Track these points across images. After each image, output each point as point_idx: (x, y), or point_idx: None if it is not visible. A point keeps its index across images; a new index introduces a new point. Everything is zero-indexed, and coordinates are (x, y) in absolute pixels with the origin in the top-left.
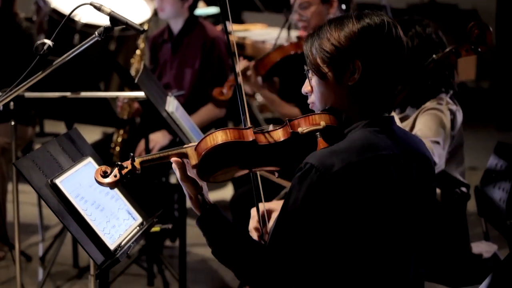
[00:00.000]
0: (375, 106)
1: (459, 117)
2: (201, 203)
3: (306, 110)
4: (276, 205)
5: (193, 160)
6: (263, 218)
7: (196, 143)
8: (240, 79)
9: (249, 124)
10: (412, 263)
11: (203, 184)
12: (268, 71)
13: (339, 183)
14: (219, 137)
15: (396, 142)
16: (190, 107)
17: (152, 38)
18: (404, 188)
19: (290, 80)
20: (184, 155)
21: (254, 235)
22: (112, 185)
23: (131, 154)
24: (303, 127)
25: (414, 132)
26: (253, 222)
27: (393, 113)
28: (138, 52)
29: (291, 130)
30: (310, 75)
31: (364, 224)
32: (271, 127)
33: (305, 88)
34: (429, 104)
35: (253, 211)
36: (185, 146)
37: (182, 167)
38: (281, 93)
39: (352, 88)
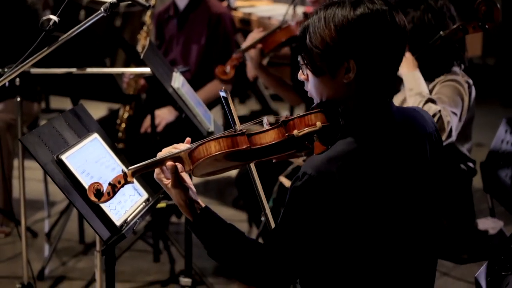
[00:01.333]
0: (374, 95)
1: (473, 91)
2: (191, 207)
3: (304, 95)
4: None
5: (187, 166)
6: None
7: (189, 148)
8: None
9: (239, 128)
10: (424, 255)
11: (191, 187)
12: (271, 50)
13: (338, 189)
14: (212, 147)
15: (395, 131)
16: (196, 82)
17: (157, 14)
18: (408, 178)
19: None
20: (178, 159)
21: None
22: (106, 202)
23: (122, 169)
24: (299, 130)
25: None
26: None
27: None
28: (144, 28)
29: (286, 134)
30: (303, 65)
31: (368, 222)
32: (265, 121)
33: (301, 76)
34: (444, 77)
35: None
36: (177, 151)
37: (175, 173)
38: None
39: (348, 84)
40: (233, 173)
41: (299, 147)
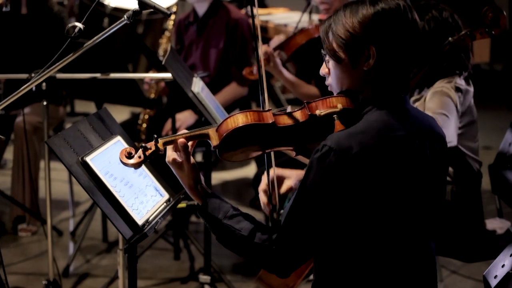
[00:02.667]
0: (391, 88)
1: (469, 95)
2: (201, 192)
3: (325, 90)
4: (288, 172)
5: (214, 140)
6: (273, 183)
7: (217, 125)
8: (261, 63)
9: (267, 107)
10: (424, 238)
11: (200, 173)
12: (293, 53)
13: (356, 164)
14: (239, 119)
15: (410, 122)
16: (215, 85)
17: (178, 21)
18: (418, 166)
19: (312, 61)
20: (205, 136)
21: (262, 196)
22: (136, 166)
23: (155, 135)
24: (320, 110)
25: (425, 110)
26: (262, 185)
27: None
28: (167, 33)
29: (309, 113)
30: (326, 58)
31: (379, 202)
32: (289, 109)
33: (323, 70)
34: (437, 84)
35: (264, 176)
36: (206, 127)
37: (186, 149)
38: (300, 73)
39: (367, 72)
40: (251, 174)
41: (318, 129)
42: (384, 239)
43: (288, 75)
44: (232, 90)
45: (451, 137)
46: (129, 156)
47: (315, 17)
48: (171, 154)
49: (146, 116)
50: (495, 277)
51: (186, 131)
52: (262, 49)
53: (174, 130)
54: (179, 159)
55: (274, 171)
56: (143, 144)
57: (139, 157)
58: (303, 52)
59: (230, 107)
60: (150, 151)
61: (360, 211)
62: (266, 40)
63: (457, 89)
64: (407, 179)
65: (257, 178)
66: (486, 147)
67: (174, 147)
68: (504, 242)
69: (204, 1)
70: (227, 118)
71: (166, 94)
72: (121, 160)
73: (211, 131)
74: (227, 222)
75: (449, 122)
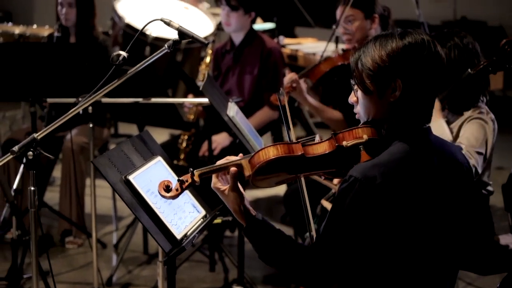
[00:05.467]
0: (415, 118)
1: (496, 125)
2: (245, 214)
3: (349, 115)
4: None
5: (247, 171)
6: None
7: (249, 156)
8: (286, 100)
9: (293, 132)
10: (446, 264)
11: (245, 195)
12: (318, 80)
13: (380, 193)
14: (270, 152)
15: (432, 152)
16: (249, 110)
17: (215, 49)
18: (440, 195)
19: (336, 87)
20: (239, 167)
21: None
22: (174, 198)
23: (191, 169)
24: (347, 141)
25: (459, 139)
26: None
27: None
28: (207, 60)
29: (336, 144)
30: (355, 87)
31: (401, 229)
32: (317, 138)
33: (351, 99)
34: (471, 113)
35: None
36: (239, 158)
37: (235, 177)
38: (325, 99)
39: (393, 103)
40: (281, 191)
41: (344, 160)
42: (407, 265)
43: (312, 101)
44: (264, 114)
45: (478, 171)
46: (167, 189)
47: (341, 46)
48: (215, 182)
49: (186, 137)
50: None
51: (221, 161)
52: (288, 76)
53: (211, 151)
54: (222, 186)
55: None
56: (180, 178)
57: (176, 190)
58: (327, 79)
59: (262, 129)
60: (187, 184)
61: (384, 237)
62: (295, 68)
63: (493, 122)
64: (428, 208)
65: (287, 196)
66: (499, 168)
67: (217, 175)
68: None
69: (240, 31)
70: (259, 151)
71: (204, 117)
72: (159, 193)
73: (244, 162)
74: (268, 242)
75: (481, 158)
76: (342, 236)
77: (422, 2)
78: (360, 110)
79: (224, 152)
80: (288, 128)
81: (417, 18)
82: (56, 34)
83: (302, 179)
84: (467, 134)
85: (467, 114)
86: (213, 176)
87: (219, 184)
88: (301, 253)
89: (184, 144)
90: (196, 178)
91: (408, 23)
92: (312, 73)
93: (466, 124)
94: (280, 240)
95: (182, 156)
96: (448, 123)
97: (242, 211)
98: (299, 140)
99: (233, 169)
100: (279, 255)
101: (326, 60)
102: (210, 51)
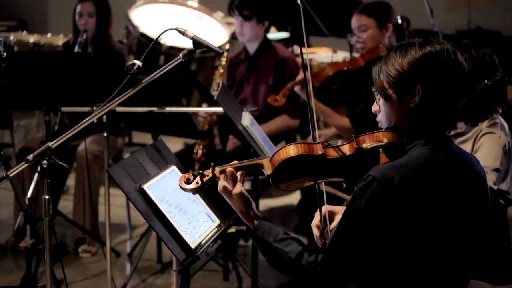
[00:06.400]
0: (435, 125)
1: (510, 138)
2: (253, 217)
3: (356, 122)
4: (339, 209)
5: (268, 170)
6: (325, 219)
7: (270, 156)
8: (311, 101)
9: (318, 140)
10: (459, 265)
11: (252, 200)
12: (322, 83)
13: (397, 195)
14: (291, 150)
15: (452, 160)
16: (263, 119)
17: (230, 58)
18: (457, 202)
19: (340, 91)
20: (260, 166)
21: (315, 231)
22: (194, 191)
23: (212, 163)
24: (367, 143)
25: (474, 154)
26: (315, 221)
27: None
28: (220, 69)
29: (356, 146)
30: (377, 96)
31: (416, 231)
32: (339, 142)
33: (374, 108)
34: (485, 126)
35: (317, 213)
36: (260, 158)
37: (234, 178)
38: (330, 103)
39: (413, 109)
40: (295, 201)
41: (365, 162)
42: (419, 270)
43: (319, 105)
44: (282, 121)
45: (497, 185)
46: (188, 181)
47: (356, 55)
48: (222, 183)
49: (201, 146)
50: None
51: (240, 161)
52: (299, 76)
53: (226, 157)
54: (229, 188)
55: (326, 208)
56: (201, 171)
57: (197, 183)
58: (332, 83)
59: (277, 140)
60: (207, 178)
61: (397, 239)
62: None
63: (506, 134)
64: (444, 214)
65: (301, 206)
66: None
67: (225, 176)
68: None
69: (254, 40)
70: (279, 149)
71: (218, 127)
72: (180, 186)
73: (265, 161)
74: (276, 245)
75: (500, 174)
76: (356, 234)
77: (437, 12)
78: (382, 118)
79: (238, 150)
80: (313, 128)
81: (432, 27)
82: (79, 39)
83: (322, 184)
84: (481, 153)
85: (481, 125)
86: (221, 178)
87: (226, 184)
88: (310, 256)
89: (199, 154)
90: (217, 173)
91: (422, 33)
92: (316, 76)
93: (479, 139)
94: (289, 242)
95: (197, 167)
96: (463, 134)
97: (249, 213)
98: (320, 141)
99: (229, 170)
100: (286, 258)
101: (332, 64)
102: (224, 59)
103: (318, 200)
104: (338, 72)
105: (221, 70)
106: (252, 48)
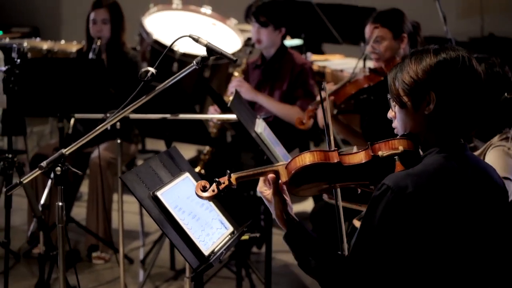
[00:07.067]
0: (451, 133)
1: None
2: (287, 220)
3: (367, 133)
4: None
5: (284, 177)
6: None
7: (286, 162)
8: (326, 109)
9: (333, 147)
10: (475, 277)
11: (289, 203)
12: (342, 103)
13: (411, 203)
14: (307, 158)
15: (466, 168)
16: (277, 125)
17: (248, 63)
18: (472, 211)
19: (361, 109)
20: (275, 172)
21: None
22: (210, 199)
23: (228, 171)
24: (383, 151)
25: None
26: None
27: None
28: (236, 74)
29: (372, 153)
30: (393, 103)
31: (431, 240)
32: (355, 149)
33: (390, 114)
34: (496, 140)
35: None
36: (276, 164)
37: (276, 183)
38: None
39: (428, 116)
40: (309, 208)
41: (381, 169)
42: (436, 279)
43: (341, 125)
44: (293, 111)
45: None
46: (204, 189)
47: (369, 64)
48: (260, 186)
49: (211, 149)
50: None
51: (256, 168)
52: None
53: (238, 164)
54: (266, 191)
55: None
56: (217, 179)
57: (213, 190)
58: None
59: (290, 147)
60: (223, 186)
61: (414, 247)
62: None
63: None
64: (459, 222)
65: (314, 213)
66: None
67: (264, 180)
68: None
69: (271, 47)
70: (295, 157)
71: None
72: (196, 193)
73: (281, 168)
74: (307, 250)
75: (511, 183)
76: (374, 244)
77: (449, 18)
78: (398, 125)
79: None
80: (328, 135)
81: (445, 34)
82: (94, 46)
83: (339, 191)
84: (489, 163)
85: (492, 140)
86: (260, 179)
87: (264, 188)
88: (338, 263)
89: (207, 156)
90: (233, 181)
91: (435, 40)
92: (337, 95)
93: (488, 151)
94: (319, 249)
95: (201, 165)
96: (476, 149)
97: (284, 218)
98: (336, 149)
99: (271, 175)
100: (317, 264)
101: (352, 83)
102: (243, 65)
103: (336, 210)
104: (360, 90)
105: (236, 74)
106: (268, 54)
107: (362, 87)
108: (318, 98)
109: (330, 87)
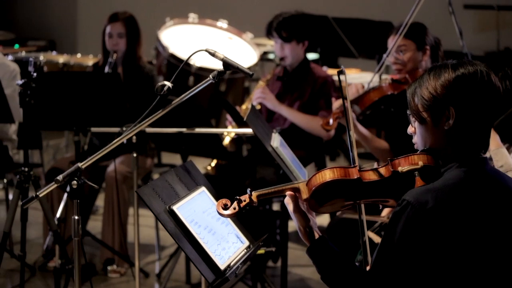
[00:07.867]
0: (470, 147)
1: None
2: (310, 235)
3: (394, 145)
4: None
5: (304, 194)
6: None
7: (306, 180)
8: (350, 124)
9: (356, 163)
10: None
11: (312, 218)
12: (366, 108)
13: (432, 218)
14: (327, 175)
15: (488, 182)
16: (295, 137)
17: (274, 73)
18: (493, 225)
19: (384, 116)
20: (296, 190)
21: None
22: (231, 216)
23: (249, 188)
24: (403, 166)
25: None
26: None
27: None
28: (261, 82)
29: (392, 169)
30: (412, 118)
31: (453, 255)
32: (375, 165)
33: (409, 130)
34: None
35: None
36: (297, 182)
37: (295, 200)
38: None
39: (448, 131)
40: (325, 223)
41: (401, 185)
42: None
43: (362, 128)
44: (315, 122)
45: None
46: (225, 207)
47: (385, 77)
48: (287, 201)
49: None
50: None
51: (276, 185)
52: (338, 102)
53: (254, 180)
54: (292, 207)
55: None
56: (238, 197)
57: (234, 208)
58: (376, 107)
59: (305, 160)
60: (244, 203)
61: (434, 262)
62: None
63: None
64: (480, 237)
65: (331, 228)
66: None
67: (290, 196)
68: None
69: (296, 61)
70: (315, 174)
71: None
72: (217, 211)
73: (301, 185)
74: (329, 264)
75: None
76: (395, 259)
77: (465, 32)
78: (417, 140)
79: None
80: (351, 147)
81: (461, 49)
82: (110, 59)
83: (362, 206)
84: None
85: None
86: (287, 196)
87: (289, 202)
88: (361, 278)
89: (213, 164)
90: (254, 199)
91: (452, 54)
92: (361, 101)
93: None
94: (342, 262)
95: (213, 164)
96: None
97: (307, 232)
98: (356, 165)
99: (288, 192)
100: (340, 277)
101: (376, 89)
102: (269, 75)
103: (359, 224)
104: (383, 97)
105: (261, 83)
106: (291, 66)
107: (386, 94)
108: (337, 103)
109: (340, 101)
